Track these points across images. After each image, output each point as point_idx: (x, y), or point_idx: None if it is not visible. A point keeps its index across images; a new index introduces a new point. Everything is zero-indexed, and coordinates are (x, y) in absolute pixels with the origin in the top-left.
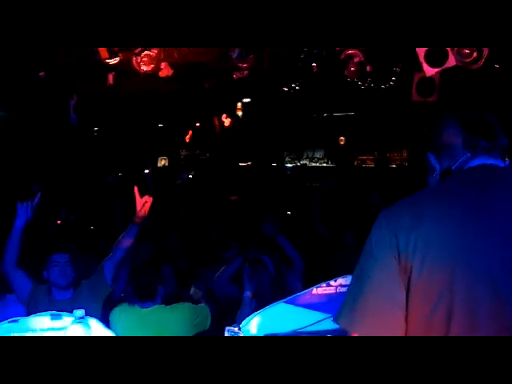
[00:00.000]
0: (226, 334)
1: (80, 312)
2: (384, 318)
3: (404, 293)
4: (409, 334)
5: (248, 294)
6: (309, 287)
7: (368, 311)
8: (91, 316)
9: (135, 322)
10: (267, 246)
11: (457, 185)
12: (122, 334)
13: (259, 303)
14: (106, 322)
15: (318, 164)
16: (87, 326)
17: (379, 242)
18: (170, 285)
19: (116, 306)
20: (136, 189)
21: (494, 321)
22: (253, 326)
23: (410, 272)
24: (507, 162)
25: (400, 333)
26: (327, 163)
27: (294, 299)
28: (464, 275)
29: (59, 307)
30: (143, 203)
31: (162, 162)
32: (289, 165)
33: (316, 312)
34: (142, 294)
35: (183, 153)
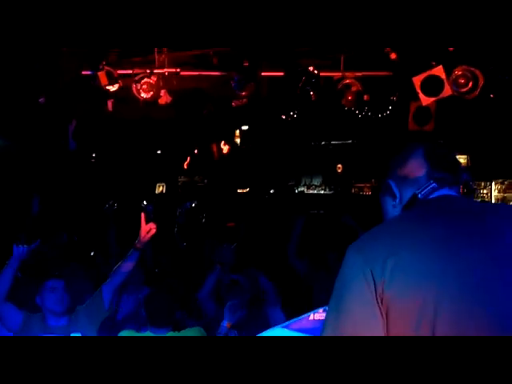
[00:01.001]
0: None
1: (76, 336)
2: None
3: (381, 322)
4: None
5: (225, 323)
6: (295, 316)
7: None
8: None
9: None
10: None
11: (426, 213)
12: None
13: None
14: None
15: (315, 191)
16: None
17: (353, 274)
18: None
19: (116, 330)
20: (143, 215)
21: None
22: None
23: (388, 300)
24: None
25: None
26: (325, 190)
27: (290, 324)
28: (444, 299)
29: (54, 335)
30: (147, 230)
31: (160, 189)
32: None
33: (312, 337)
34: (159, 321)
35: (181, 179)
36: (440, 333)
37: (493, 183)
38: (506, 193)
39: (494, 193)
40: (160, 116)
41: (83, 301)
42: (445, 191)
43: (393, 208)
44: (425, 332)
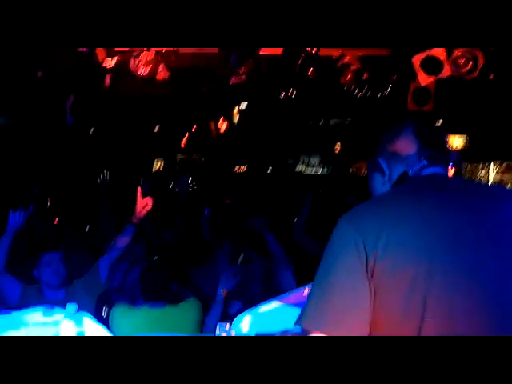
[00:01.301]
0: (217, 330)
1: (72, 307)
2: (347, 316)
3: (369, 294)
4: (380, 332)
5: (220, 290)
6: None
7: (330, 310)
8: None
9: (145, 324)
10: (255, 245)
11: (417, 189)
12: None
13: (249, 300)
14: (98, 319)
15: (313, 170)
16: (79, 321)
17: (343, 244)
18: None
19: (113, 305)
20: (139, 190)
21: (470, 315)
22: (244, 323)
23: (379, 273)
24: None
25: (363, 332)
26: (323, 170)
27: (285, 298)
28: (435, 272)
29: (51, 306)
30: (144, 205)
31: (158, 166)
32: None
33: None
34: (155, 296)
35: (179, 157)
36: (431, 307)
37: (491, 165)
38: (504, 174)
39: (492, 174)
40: (158, 93)
41: (80, 275)
42: (435, 169)
43: (382, 185)
44: (415, 305)
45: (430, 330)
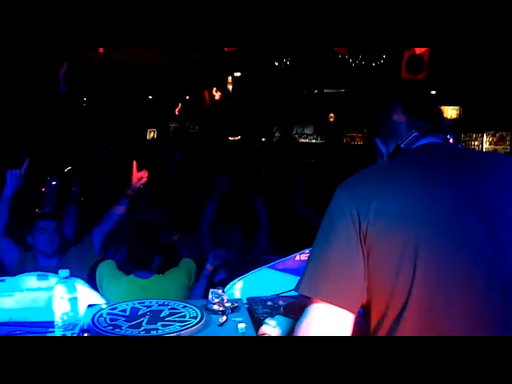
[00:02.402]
0: (210, 296)
1: (65, 272)
2: (344, 283)
3: (362, 260)
4: (372, 300)
5: (208, 266)
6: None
7: (328, 277)
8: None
9: (135, 292)
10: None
11: (410, 159)
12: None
13: (231, 265)
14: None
15: (307, 140)
16: (72, 286)
17: (339, 211)
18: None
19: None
20: (135, 163)
21: (462, 285)
22: (236, 289)
23: (371, 239)
24: (452, 141)
25: (360, 298)
26: (316, 139)
27: (277, 265)
28: (424, 239)
29: (45, 273)
30: (139, 177)
31: (151, 135)
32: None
33: (298, 277)
34: (139, 264)
35: (172, 125)
36: (420, 272)
37: (484, 135)
38: (496, 145)
39: (485, 145)
40: (152, 61)
41: (74, 243)
42: (429, 139)
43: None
44: (406, 272)
45: (420, 294)
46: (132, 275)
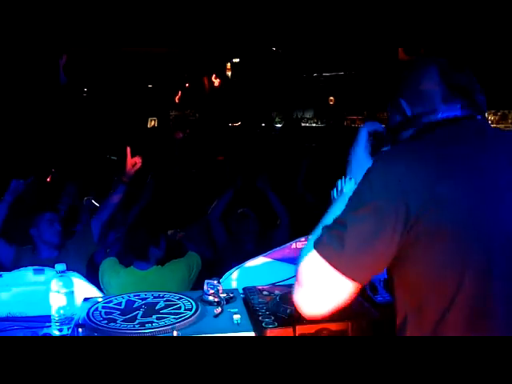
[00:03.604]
0: (205, 287)
1: (61, 266)
2: (361, 259)
3: (394, 244)
4: (411, 294)
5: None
6: None
7: (345, 249)
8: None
9: (134, 284)
10: (255, 203)
11: (460, 138)
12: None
13: (242, 255)
14: (90, 278)
15: (307, 124)
16: (69, 280)
17: (383, 187)
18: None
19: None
20: (128, 149)
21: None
22: (233, 279)
23: (419, 228)
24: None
25: (371, 276)
26: (317, 123)
27: (272, 253)
28: (481, 232)
29: (45, 266)
30: (133, 163)
31: (152, 123)
32: (278, 125)
33: (294, 266)
34: (134, 254)
35: (173, 113)
36: (470, 270)
37: (485, 113)
38: (498, 124)
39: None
40: (151, 49)
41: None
42: (465, 112)
43: (401, 126)
44: (455, 268)
45: (468, 294)
46: (131, 267)
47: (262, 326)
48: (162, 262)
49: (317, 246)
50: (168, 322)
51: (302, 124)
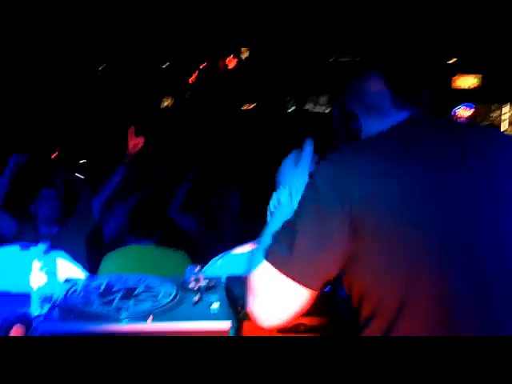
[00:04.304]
0: (186, 273)
1: (44, 246)
2: (312, 264)
3: (344, 243)
4: (366, 291)
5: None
6: None
7: (296, 254)
8: (77, 252)
9: (132, 258)
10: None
11: (405, 138)
12: (115, 271)
13: (224, 240)
14: (92, 262)
15: (321, 110)
16: (52, 260)
17: (328, 188)
18: None
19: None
20: (131, 129)
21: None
22: (218, 267)
23: (365, 224)
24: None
25: (326, 280)
26: (332, 109)
27: (241, 248)
28: (425, 227)
29: (45, 242)
30: (135, 144)
31: (165, 103)
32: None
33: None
34: (140, 233)
35: (187, 94)
36: (420, 261)
37: (507, 106)
38: None
39: (504, 116)
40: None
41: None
42: (414, 113)
43: (348, 135)
44: (404, 261)
45: (422, 286)
46: (131, 243)
47: (239, 317)
48: (164, 243)
49: (266, 254)
50: (144, 308)
51: (316, 109)
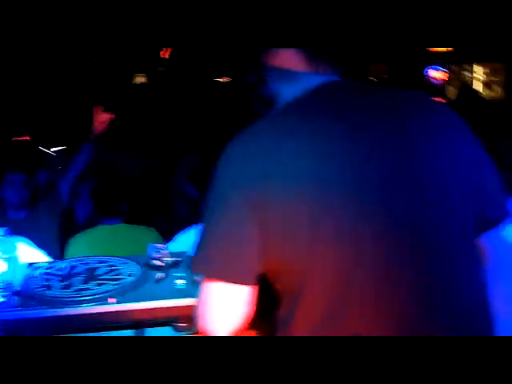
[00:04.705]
0: (149, 250)
1: (2, 230)
2: (235, 259)
3: (256, 231)
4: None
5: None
6: None
7: (216, 255)
8: (47, 236)
9: (101, 238)
10: None
11: (313, 111)
12: (82, 254)
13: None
14: (61, 240)
15: None
16: (11, 244)
17: (226, 179)
18: None
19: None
20: (97, 107)
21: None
22: (184, 242)
23: (267, 208)
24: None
25: (256, 270)
26: None
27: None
28: (324, 204)
29: (13, 227)
30: (101, 121)
31: (138, 80)
32: None
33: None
34: (105, 211)
35: (160, 69)
36: (321, 241)
37: (478, 66)
38: (489, 77)
39: (476, 76)
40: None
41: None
42: (330, 78)
43: (263, 104)
44: (305, 243)
45: (323, 265)
46: (99, 224)
47: None
48: (133, 221)
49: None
50: (106, 289)
51: None
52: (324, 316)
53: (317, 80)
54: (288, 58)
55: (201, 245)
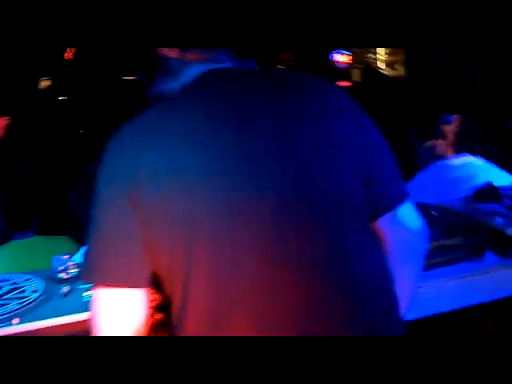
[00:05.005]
0: (53, 263)
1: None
2: (119, 260)
3: (137, 229)
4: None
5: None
6: None
7: (100, 259)
8: None
9: (15, 254)
10: None
11: (188, 97)
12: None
13: None
14: None
15: None
16: None
17: (105, 177)
18: None
19: None
20: None
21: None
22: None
23: (145, 203)
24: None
25: (144, 271)
26: None
27: None
28: (196, 196)
29: None
30: None
31: (44, 84)
32: None
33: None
34: (15, 225)
35: (67, 72)
36: (196, 233)
37: (381, 49)
38: (391, 56)
39: (379, 57)
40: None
41: None
42: (209, 67)
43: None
44: (182, 236)
45: (200, 257)
46: (12, 241)
47: None
48: (45, 232)
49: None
50: (10, 309)
51: None
52: (210, 310)
53: (194, 71)
54: (164, 51)
55: (87, 249)
